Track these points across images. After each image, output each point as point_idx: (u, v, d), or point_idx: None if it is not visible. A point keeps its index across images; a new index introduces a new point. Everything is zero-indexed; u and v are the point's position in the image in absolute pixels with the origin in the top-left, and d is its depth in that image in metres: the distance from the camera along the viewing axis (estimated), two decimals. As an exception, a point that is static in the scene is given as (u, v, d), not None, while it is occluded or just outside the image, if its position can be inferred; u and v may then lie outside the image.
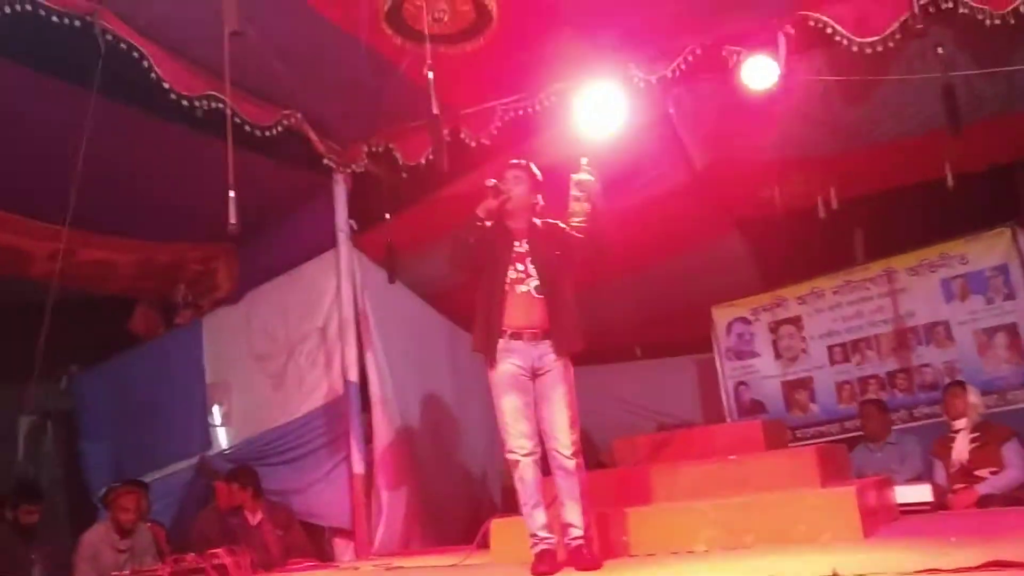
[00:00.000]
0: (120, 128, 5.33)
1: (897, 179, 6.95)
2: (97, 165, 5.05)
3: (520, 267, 4.27)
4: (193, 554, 5.62)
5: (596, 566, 4.01)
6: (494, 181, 4.25)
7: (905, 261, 7.42)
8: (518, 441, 4.16)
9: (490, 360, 4.22)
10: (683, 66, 5.52)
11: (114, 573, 5.68)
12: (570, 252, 4.33)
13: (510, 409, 4.17)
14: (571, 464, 4.11)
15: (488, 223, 4.25)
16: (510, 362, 4.18)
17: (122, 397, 7.71)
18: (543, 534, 4.14)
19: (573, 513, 4.10)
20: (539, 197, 4.40)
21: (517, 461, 4.16)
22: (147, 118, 5.44)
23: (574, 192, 4.29)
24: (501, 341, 4.19)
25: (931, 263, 7.29)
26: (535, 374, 4.21)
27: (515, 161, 4.43)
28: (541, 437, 4.19)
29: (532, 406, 4.20)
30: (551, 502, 4.24)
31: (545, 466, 4.21)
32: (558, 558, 4.11)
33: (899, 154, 6.55)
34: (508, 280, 4.24)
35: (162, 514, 6.80)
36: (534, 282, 4.25)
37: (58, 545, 6.19)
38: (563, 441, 4.12)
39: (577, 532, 4.09)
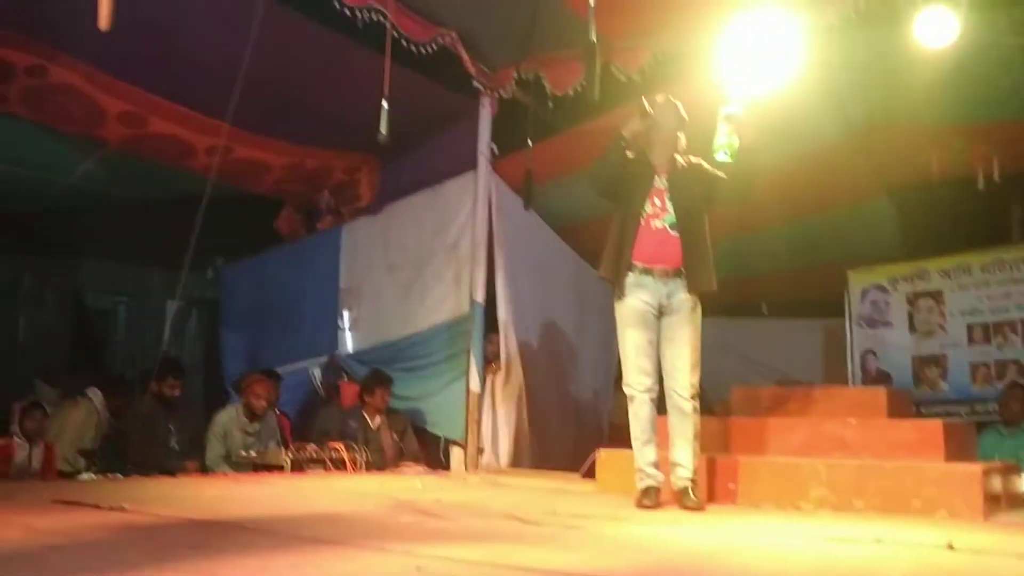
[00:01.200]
0: (284, 32, 5.50)
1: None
2: (260, 66, 5.26)
3: (658, 202, 4.22)
4: (314, 445, 5.96)
5: (700, 508, 4.03)
6: (645, 100, 4.18)
7: (1066, 245, 7.00)
8: (637, 377, 4.17)
9: (618, 292, 4.21)
10: (854, 14, 5.26)
11: (241, 452, 6.08)
12: (711, 191, 4.26)
13: (633, 344, 4.17)
14: (688, 406, 4.12)
15: (631, 147, 4.20)
16: (638, 297, 4.16)
17: (262, 292, 8.12)
18: (651, 471, 4.17)
19: (684, 454, 4.12)
20: (683, 136, 4.34)
21: (634, 396, 4.19)
22: (310, 24, 5.59)
23: (722, 125, 4.18)
24: (631, 275, 4.17)
25: (1093, 249, 6.86)
26: (662, 312, 4.18)
27: (664, 96, 4.35)
28: (661, 375, 4.20)
29: (656, 343, 4.19)
30: (662, 441, 4.27)
31: (660, 405, 4.23)
32: (662, 496, 4.14)
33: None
34: (644, 213, 4.19)
35: (288, 405, 7.19)
36: (670, 218, 4.19)
37: (193, 421, 6.64)
38: (683, 382, 4.12)
39: (685, 473, 4.10)
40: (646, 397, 4.17)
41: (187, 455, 6.16)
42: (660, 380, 4.21)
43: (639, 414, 4.19)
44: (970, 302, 7.44)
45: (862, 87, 6.18)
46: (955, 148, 6.72)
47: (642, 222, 4.19)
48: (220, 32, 5.44)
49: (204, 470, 6.06)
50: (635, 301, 4.17)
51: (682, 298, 4.16)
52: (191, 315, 8.88)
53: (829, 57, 5.51)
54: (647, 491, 4.13)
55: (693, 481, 4.12)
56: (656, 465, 4.19)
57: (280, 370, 7.21)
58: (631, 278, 4.17)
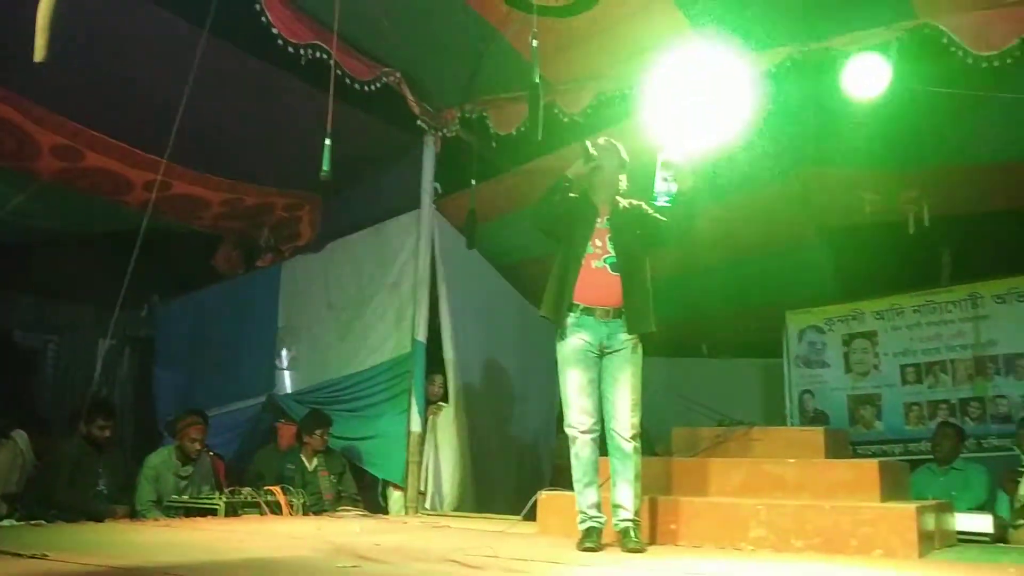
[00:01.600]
0: (226, 69, 5.46)
1: (993, 203, 6.75)
2: (200, 102, 5.18)
3: (599, 242, 4.26)
4: (249, 489, 5.82)
5: (641, 550, 4.01)
6: (588, 143, 4.24)
7: (993, 288, 7.24)
8: (579, 417, 4.17)
9: (560, 331, 4.23)
10: (789, 63, 5.42)
11: (174, 496, 5.90)
12: (652, 234, 4.32)
13: (574, 384, 4.18)
14: (629, 447, 4.11)
15: (573, 189, 4.24)
16: (579, 337, 4.18)
17: (198, 330, 7.97)
18: (593, 512, 4.16)
19: (625, 495, 4.12)
20: (624, 178, 4.39)
21: (575, 437, 4.18)
22: (251, 61, 5.56)
23: (661, 171, 4.23)
24: (572, 315, 4.20)
25: (1020, 293, 7.09)
26: (603, 352, 4.21)
27: (606, 139, 4.43)
28: (602, 416, 4.20)
29: (596, 383, 4.20)
30: (604, 482, 4.26)
31: (602, 446, 4.23)
32: (604, 538, 4.12)
33: (999, 177, 6.36)
34: (586, 254, 4.23)
35: (224, 448, 7.01)
36: (611, 259, 4.23)
37: (124, 463, 6.42)
38: (624, 423, 4.12)
39: (627, 515, 4.11)
40: (587, 438, 4.16)
41: (116, 499, 5.95)
42: (602, 421, 4.20)
43: (580, 455, 4.18)
44: (903, 343, 7.63)
45: (797, 133, 6.34)
46: (886, 193, 6.92)
47: (583, 262, 4.21)
48: (159, 67, 5.37)
49: (134, 515, 5.86)
50: (576, 341, 4.18)
51: (623, 338, 4.19)
52: (124, 354, 8.64)
53: (765, 103, 5.64)
54: (588, 532, 4.11)
55: (635, 522, 4.12)
56: (598, 507, 4.18)
57: (216, 411, 7.04)
58: (572, 318, 4.19)
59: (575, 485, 4.22)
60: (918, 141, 6.13)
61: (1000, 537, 5.35)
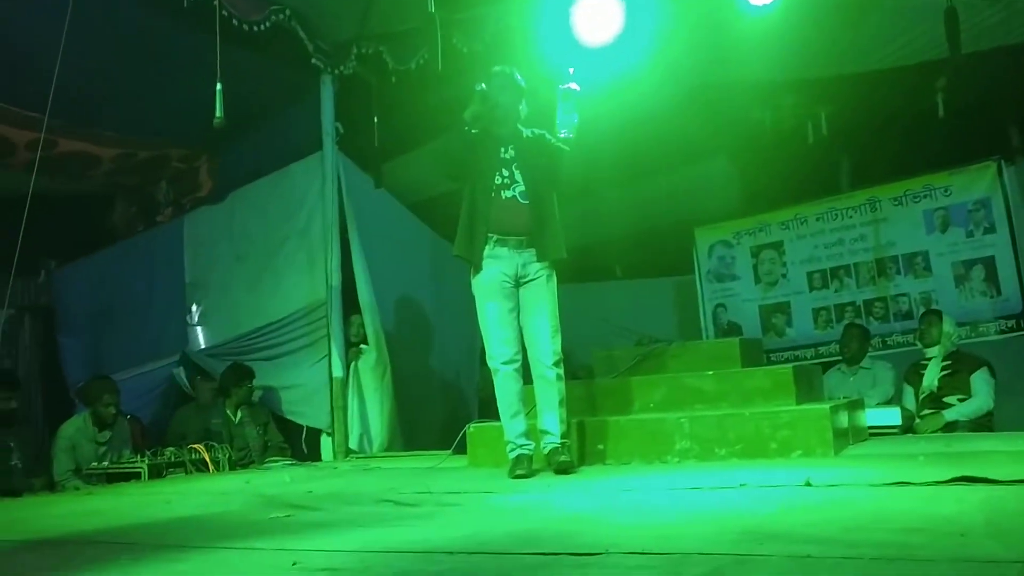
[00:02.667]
0: (105, 17, 5.18)
1: (888, 107, 6.92)
2: (79, 56, 4.92)
3: (506, 173, 4.25)
4: (172, 449, 5.71)
5: (570, 466, 4.10)
6: (482, 86, 4.20)
7: (889, 191, 7.46)
8: (499, 348, 4.19)
9: (475, 266, 4.22)
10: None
11: (93, 464, 5.75)
12: (556, 164, 4.32)
13: (493, 316, 4.19)
14: (552, 373, 4.16)
15: (474, 130, 4.21)
16: (495, 268, 4.19)
17: (101, 293, 7.69)
18: (522, 440, 4.20)
19: (551, 421, 4.17)
20: (523, 104, 4.36)
21: (497, 369, 4.21)
22: (130, 9, 5.28)
23: (562, 103, 4.28)
24: (487, 247, 4.18)
25: (915, 194, 7.34)
26: (519, 282, 4.22)
27: (500, 68, 4.37)
28: (523, 346, 4.23)
29: (516, 313, 4.22)
30: (530, 410, 4.30)
31: (526, 375, 4.25)
32: (535, 464, 4.18)
33: (891, 82, 6.50)
34: (494, 185, 4.22)
35: (141, 410, 6.84)
36: (520, 187, 4.23)
37: (35, 435, 6.21)
38: (545, 350, 4.15)
39: (554, 440, 4.16)
40: (510, 369, 4.18)
41: (32, 472, 5.78)
42: (523, 351, 4.23)
43: (504, 387, 4.21)
44: (808, 251, 7.84)
45: (692, 45, 6.35)
46: (785, 104, 7.02)
47: (492, 194, 4.21)
48: (32, 20, 5.06)
49: (53, 487, 5.70)
50: (492, 272, 4.19)
51: (537, 267, 4.22)
52: (23, 323, 8.30)
53: (659, 18, 5.63)
54: (519, 460, 4.16)
55: (563, 444, 4.18)
56: (526, 435, 4.23)
57: (128, 373, 6.85)
58: (486, 250, 4.19)
59: (502, 416, 4.25)
60: (813, 49, 6.21)
61: (908, 428, 5.64)
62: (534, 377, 4.20)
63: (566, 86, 4.30)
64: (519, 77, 4.34)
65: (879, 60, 6.32)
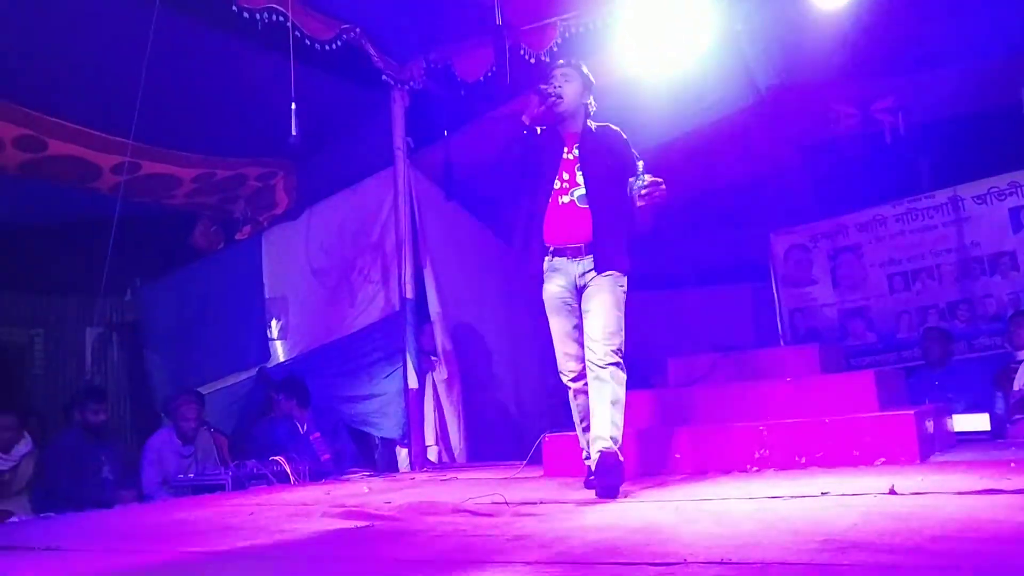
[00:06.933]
0: (183, 42, 5.35)
1: (967, 104, 6.73)
2: (159, 79, 5.10)
3: (566, 175, 3.97)
4: (254, 461, 5.83)
5: (612, 495, 3.62)
6: (542, 86, 3.97)
7: (972, 189, 7.25)
8: (567, 364, 4.06)
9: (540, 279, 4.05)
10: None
11: (179, 475, 5.91)
12: (624, 166, 3.94)
13: (557, 332, 4.04)
14: (604, 373, 3.80)
15: (537, 129, 4.00)
16: (554, 283, 3.99)
17: (184, 309, 7.90)
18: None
19: (601, 423, 3.77)
20: (591, 99, 4.12)
21: (568, 385, 4.10)
22: (210, 31, 5.44)
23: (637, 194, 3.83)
24: (546, 260, 4.00)
25: (1000, 191, 7.11)
26: (581, 291, 3.97)
27: (563, 61, 4.15)
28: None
29: (580, 327, 3.99)
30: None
31: None
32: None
33: (972, 78, 6.33)
34: (552, 190, 3.96)
35: (225, 423, 7.02)
36: (579, 191, 3.94)
37: (125, 449, 6.41)
38: (596, 350, 3.83)
39: (603, 444, 3.73)
40: (578, 385, 4.04)
41: (122, 484, 5.97)
42: None
43: (574, 401, 4.11)
44: (888, 252, 7.65)
45: (765, 49, 6.27)
46: (860, 103, 6.89)
47: (550, 200, 3.97)
48: (113, 46, 5.26)
49: (141, 498, 5.88)
50: (552, 287, 4.00)
51: (594, 276, 3.92)
52: (112, 340, 8.60)
53: (732, 23, 5.58)
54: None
55: (613, 453, 3.72)
56: None
57: (210, 387, 7.04)
58: (546, 262, 4.00)
59: (576, 428, 4.17)
60: (890, 47, 6.08)
61: (998, 433, 5.44)
62: (588, 380, 3.89)
63: (640, 179, 3.80)
64: (586, 71, 4.08)
65: (960, 55, 6.16)
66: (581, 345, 3.96)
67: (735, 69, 6.40)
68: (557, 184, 3.97)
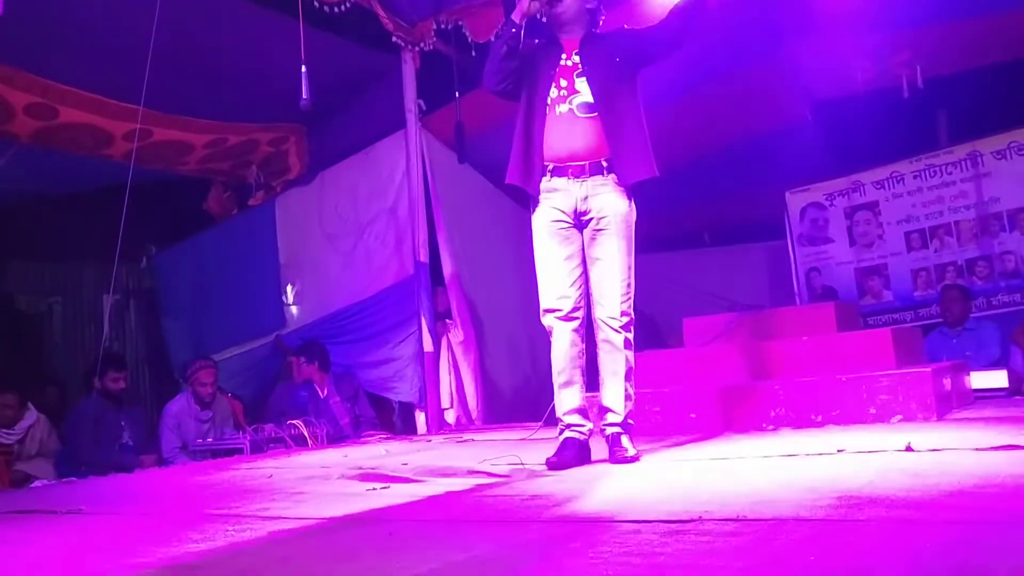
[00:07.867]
0: (191, 6, 5.31)
1: (987, 57, 6.61)
2: (168, 44, 5.06)
3: (563, 82, 3.44)
4: (272, 425, 5.88)
5: (633, 459, 3.35)
6: None
7: (992, 144, 7.16)
8: (552, 302, 3.45)
9: (532, 200, 3.51)
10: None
11: (198, 440, 5.97)
12: (641, 49, 3.50)
13: (549, 261, 3.46)
14: (619, 338, 3.40)
15: (534, 41, 3.52)
16: (550, 205, 3.44)
17: (200, 276, 7.94)
18: (572, 419, 3.47)
19: (613, 395, 3.44)
20: (602, 9, 3.62)
21: (551, 326, 3.46)
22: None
23: None
24: (543, 181, 3.45)
25: (1020, 146, 7.01)
26: (581, 220, 3.45)
27: None
28: (587, 301, 3.49)
29: (577, 259, 3.47)
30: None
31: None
32: (591, 449, 3.50)
33: (991, 29, 6.20)
34: (548, 99, 3.44)
35: (242, 388, 7.07)
36: (579, 99, 3.41)
37: (144, 414, 6.47)
38: (611, 309, 3.39)
39: (616, 418, 3.43)
40: (566, 326, 3.44)
41: (143, 450, 6.04)
42: (586, 306, 3.50)
43: (556, 347, 3.47)
44: (905, 210, 7.58)
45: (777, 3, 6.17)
46: (878, 57, 6.77)
47: (547, 111, 3.44)
48: (122, 12, 5.23)
49: (162, 463, 5.95)
50: (546, 210, 3.45)
51: (606, 200, 3.41)
52: (129, 308, 8.66)
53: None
54: (565, 445, 3.44)
55: (625, 427, 3.44)
56: (582, 413, 3.51)
57: (227, 353, 7.09)
58: (543, 183, 3.45)
59: (553, 385, 3.52)
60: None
61: (1016, 390, 5.41)
62: (597, 341, 3.46)
63: None
64: None
65: (979, 6, 6.04)
66: (574, 280, 3.47)
67: (748, 16, 6.27)
68: (554, 92, 3.45)
